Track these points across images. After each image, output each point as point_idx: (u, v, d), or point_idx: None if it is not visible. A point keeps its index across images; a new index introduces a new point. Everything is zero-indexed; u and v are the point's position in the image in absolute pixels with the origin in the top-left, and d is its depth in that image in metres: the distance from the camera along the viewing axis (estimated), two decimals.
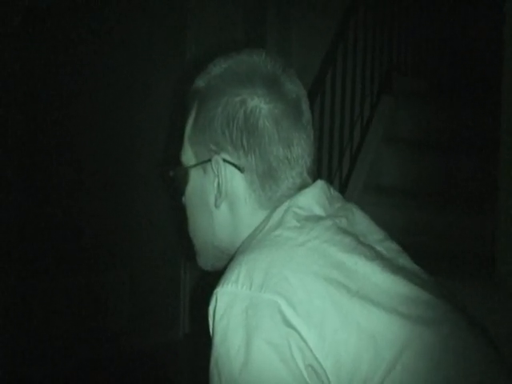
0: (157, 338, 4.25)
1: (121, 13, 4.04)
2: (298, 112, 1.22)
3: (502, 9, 3.21)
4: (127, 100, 4.09)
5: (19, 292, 3.66)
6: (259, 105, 1.19)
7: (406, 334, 1.09)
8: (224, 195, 1.22)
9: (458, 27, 5.54)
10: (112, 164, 4.06)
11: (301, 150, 1.22)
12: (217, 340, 1.08)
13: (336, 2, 4.50)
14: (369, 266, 1.13)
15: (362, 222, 1.24)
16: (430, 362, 1.08)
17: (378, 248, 1.20)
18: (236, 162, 1.20)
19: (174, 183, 1.29)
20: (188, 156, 1.26)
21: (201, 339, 1.52)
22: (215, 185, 1.22)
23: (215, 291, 1.10)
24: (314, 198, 1.21)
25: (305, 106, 1.24)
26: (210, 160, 1.22)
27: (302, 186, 1.22)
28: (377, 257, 1.16)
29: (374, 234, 1.24)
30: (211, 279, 1.23)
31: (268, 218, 1.18)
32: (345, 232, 1.17)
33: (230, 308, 1.08)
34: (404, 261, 1.22)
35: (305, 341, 1.05)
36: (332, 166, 3.87)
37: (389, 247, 1.23)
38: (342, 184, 3.96)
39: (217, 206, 1.23)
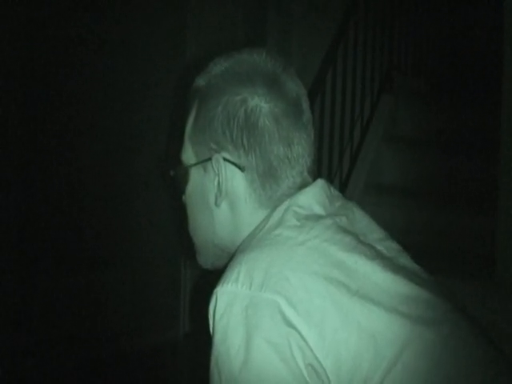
0: (157, 337, 4.25)
1: (121, 12, 4.04)
2: (299, 111, 1.23)
3: (502, 8, 3.21)
4: (127, 99, 4.09)
5: (19, 291, 3.66)
6: (260, 104, 1.19)
7: (407, 333, 1.09)
8: (224, 194, 1.22)
9: (458, 27, 5.54)
10: (112, 163, 4.06)
11: (301, 149, 1.22)
12: (217, 339, 1.08)
13: (336, 1, 4.50)
14: (369, 265, 1.13)
15: (362, 220, 1.25)
16: (431, 362, 1.08)
17: (379, 247, 1.20)
18: (236, 161, 1.20)
19: (175, 182, 1.29)
20: (188, 155, 1.26)
21: (201, 338, 1.52)
22: (215, 184, 1.22)
23: (215, 290, 1.10)
24: (314, 197, 1.21)
25: (305, 105, 1.24)
26: (210, 159, 1.22)
27: (303, 185, 1.22)
28: (377, 256, 1.17)
29: (375, 233, 1.24)
30: (211, 278, 1.23)
31: (268, 217, 1.18)
32: (345, 231, 1.18)
33: (230, 307, 1.08)
34: (404, 260, 1.22)
35: (305, 340, 1.05)
36: (332, 165, 3.87)
37: (389, 246, 1.23)
38: (342, 183, 3.96)
39: (217, 204, 1.23)
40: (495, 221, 3.23)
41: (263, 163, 1.20)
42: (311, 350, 1.05)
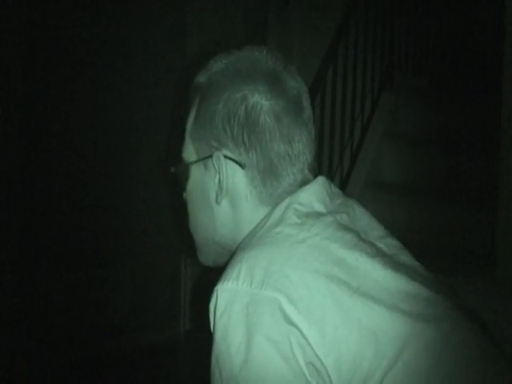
0: (157, 334, 4.25)
1: (121, 12, 4.03)
2: (299, 108, 1.22)
3: (502, 6, 3.20)
4: (128, 98, 4.09)
5: (19, 289, 3.66)
6: (260, 101, 1.19)
7: (407, 330, 1.09)
8: (225, 191, 1.22)
9: (458, 25, 5.54)
10: (112, 161, 4.06)
11: (302, 146, 1.22)
12: (217, 337, 1.08)
13: (336, 1, 4.50)
14: (370, 263, 1.13)
15: (362, 218, 1.24)
16: (431, 359, 1.08)
17: (379, 245, 1.20)
18: (237, 159, 1.20)
19: (176, 179, 1.29)
20: (189, 152, 1.26)
21: (201, 336, 1.52)
22: (216, 181, 1.22)
23: (216, 288, 1.10)
24: (314, 194, 1.21)
25: (306, 102, 1.24)
26: (211, 156, 1.22)
27: (303, 183, 1.22)
28: (378, 253, 1.16)
29: (375, 231, 1.24)
30: (212, 276, 1.23)
31: (269, 214, 1.18)
32: (346, 228, 1.17)
33: (231, 305, 1.08)
34: (405, 257, 1.22)
35: (305, 338, 1.05)
36: (333, 163, 3.87)
37: (390, 244, 1.23)
38: (342, 181, 3.96)
39: (218, 202, 1.23)
40: (495, 219, 3.23)
41: (264, 160, 1.20)
42: (312, 348, 1.05)
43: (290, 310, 1.06)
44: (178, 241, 4.18)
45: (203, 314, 1.16)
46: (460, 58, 5.54)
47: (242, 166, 1.20)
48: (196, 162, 1.25)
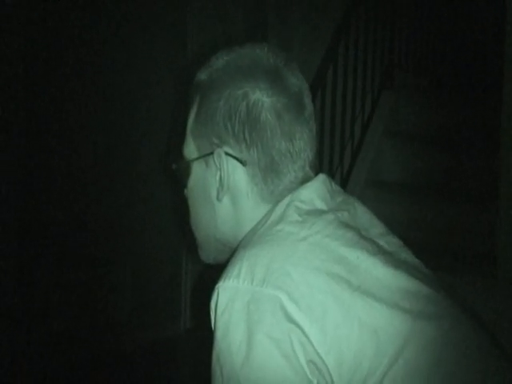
0: (158, 332, 4.25)
1: (122, 11, 4.03)
2: (301, 106, 1.22)
3: (503, 4, 3.20)
4: (128, 97, 4.09)
5: (20, 288, 3.66)
6: (261, 98, 1.19)
7: (408, 328, 1.08)
8: (226, 188, 1.22)
9: (458, 23, 5.54)
10: (113, 160, 4.06)
11: (303, 143, 1.22)
12: (218, 335, 1.08)
13: (337, 1, 4.50)
14: (371, 261, 1.13)
15: (363, 215, 1.24)
16: (432, 357, 1.08)
17: (380, 242, 1.20)
18: (238, 156, 1.20)
19: (177, 176, 1.29)
20: (190, 149, 1.26)
21: (202, 334, 1.53)
22: (217, 178, 1.22)
23: (217, 286, 1.10)
24: (315, 191, 1.21)
25: (307, 99, 1.24)
26: (212, 153, 1.22)
27: (304, 180, 1.22)
28: (379, 251, 1.16)
29: (376, 228, 1.23)
30: (212, 274, 1.23)
31: (270, 212, 1.18)
32: (347, 226, 1.17)
33: (232, 303, 1.08)
34: (405, 255, 1.22)
35: (307, 336, 1.05)
36: (333, 161, 3.87)
37: (390, 241, 1.22)
38: (343, 179, 3.96)
39: (219, 199, 1.23)
40: (495, 218, 3.23)
41: (265, 158, 1.20)
42: (313, 346, 1.05)
43: (291, 308, 1.06)
44: (179, 239, 4.19)
45: (204, 312, 1.16)
46: (460, 58, 5.54)
47: (243, 163, 1.20)
48: (197, 159, 1.24)
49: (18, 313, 3.64)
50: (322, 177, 1.24)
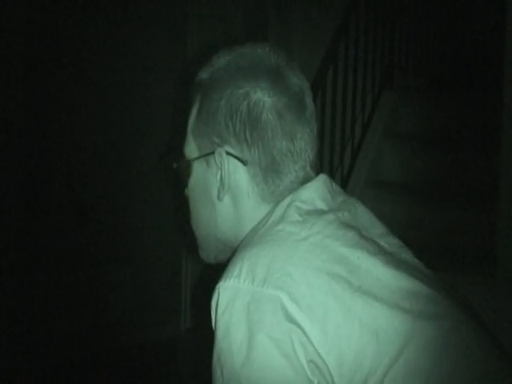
0: (158, 332, 4.25)
1: (122, 12, 4.03)
2: (302, 105, 1.22)
3: (503, 5, 3.20)
4: (128, 97, 4.10)
5: (21, 287, 3.66)
6: (262, 98, 1.19)
7: (408, 328, 1.08)
8: (227, 188, 1.22)
9: (459, 23, 5.54)
10: (113, 159, 4.06)
11: (304, 143, 1.22)
12: (219, 335, 1.08)
13: (337, 1, 4.50)
14: (371, 261, 1.13)
15: (364, 216, 1.24)
16: (432, 357, 1.08)
17: (381, 242, 1.20)
18: (239, 155, 1.20)
19: (178, 176, 1.29)
20: (191, 148, 1.26)
21: (202, 334, 1.53)
22: (218, 177, 1.22)
23: (217, 286, 1.10)
24: (316, 191, 1.20)
25: (308, 99, 1.24)
26: (213, 153, 1.22)
27: (305, 180, 1.22)
28: (379, 251, 1.16)
29: (376, 229, 1.23)
30: (213, 273, 1.23)
31: (271, 212, 1.18)
32: (347, 226, 1.17)
33: (233, 302, 1.08)
34: (406, 255, 1.22)
35: (307, 336, 1.05)
36: (333, 162, 3.87)
37: (391, 242, 1.22)
38: (343, 179, 3.96)
39: (220, 198, 1.22)
40: (495, 218, 3.23)
41: (266, 157, 1.20)
42: (313, 346, 1.05)
43: (292, 308, 1.06)
44: (179, 239, 4.19)
45: (204, 311, 1.16)
46: (460, 58, 5.54)
47: (243, 162, 1.20)
48: (198, 158, 1.24)
49: (18, 313, 3.65)
50: (322, 177, 1.24)
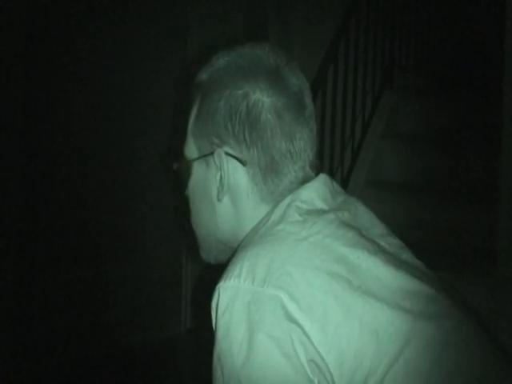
0: (159, 332, 4.25)
1: (122, 12, 4.03)
2: (301, 105, 1.22)
3: (503, 4, 3.20)
4: (128, 97, 4.09)
5: (21, 285, 3.66)
6: (261, 98, 1.19)
7: (408, 328, 1.09)
8: (226, 188, 1.22)
9: (459, 23, 5.54)
10: (113, 159, 4.06)
11: (303, 143, 1.22)
12: (219, 335, 1.08)
13: (337, 1, 4.50)
14: (371, 261, 1.13)
15: (364, 215, 1.24)
16: (432, 357, 1.08)
17: (381, 242, 1.20)
18: (238, 156, 1.20)
19: (178, 176, 1.29)
20: (191, 149, 1.26)
21: (203, 334, 1.53)
22: (217, 178, 1.22)
23: (218, 286, 1.10)
24: (316, 191, 1.21)
25: (307, 99, 1.24)
26: (212, 153, 1.22)
27: (305, 180, 1.22)
28: (379, 251, 1.16)
29: (377, 229, 1.23)
30: (213, 274, 1.23)
31: (271, 212, 1.18)
32: (347, 226, 1.17)
33: (233, 302, 1.08)
34: (406, 255, 1.22)
35: (307, 335, 1.05)
36: (333, 162, 3.87)
37: (391, 242, 1.22)
38: (343, 179, 3.96)
39: (219, 199, 1.23)
40: (496, 217, 3.23)
41: (265, 158, 1.20)
42: (313, 346, 1.05)
43: (292, 308, 1.06)
44: (179, 239, 4.19)
45: (205, 311, 1.16)
46: (460, 58, 5.54)
47: (243, 163, 1.20)
48: (197, 159, 1.25)
49: (18, 312, 3.64)
50: (322, 177, 1.24)
